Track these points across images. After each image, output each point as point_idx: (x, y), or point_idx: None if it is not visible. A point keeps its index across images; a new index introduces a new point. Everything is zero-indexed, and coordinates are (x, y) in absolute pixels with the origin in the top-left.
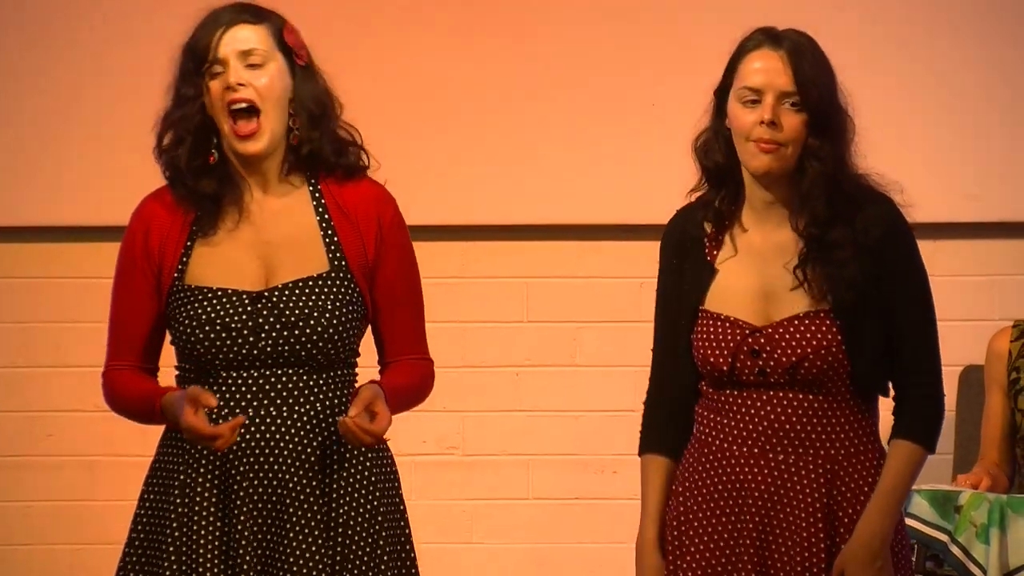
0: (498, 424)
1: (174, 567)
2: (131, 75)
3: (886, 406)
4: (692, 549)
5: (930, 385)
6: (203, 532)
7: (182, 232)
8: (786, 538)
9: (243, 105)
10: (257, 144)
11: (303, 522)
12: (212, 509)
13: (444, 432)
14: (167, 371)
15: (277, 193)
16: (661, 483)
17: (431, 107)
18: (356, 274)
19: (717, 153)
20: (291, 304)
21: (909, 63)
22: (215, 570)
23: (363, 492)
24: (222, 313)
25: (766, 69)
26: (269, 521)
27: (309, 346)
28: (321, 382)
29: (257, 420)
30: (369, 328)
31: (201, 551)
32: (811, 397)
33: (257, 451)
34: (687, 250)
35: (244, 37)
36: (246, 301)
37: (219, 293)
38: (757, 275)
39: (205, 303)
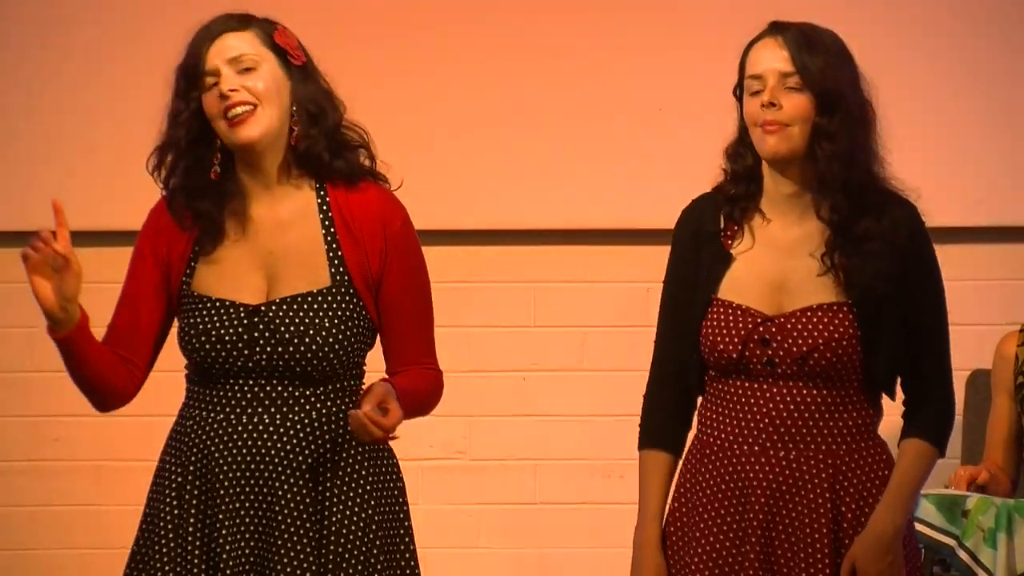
0: (505, 428)
1: (166, 568)
2: (136, 79)
3: (890, 410)
4: (696, 546)
5: (943, 389)
6: (190, 535)
7: (189, 241)
8: (791, 534)
9: (240, 110)
10: (252, 130)
11: (292, 529)
12: (194, 512)
13: (451, 436)
14: (167, 374)
15: (282, 199)
16: (661, 480)
17: (440, 112)
18: (360, 288)
19: (746, 156)
20: (287, 320)
21: (917, 68)
22: None
23: (357, 500)
24: (218, 325)
25: (765, 56)
26: (257, 527)
27: (303, 362)
28: (320, 392)
29: (250, 427)
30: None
31: (188, 555)
32: (819, 391)
33: (248, 458)
34: (702, 239)
35: (232, 45)
36: (243, 314)
37: (218, 304)
38: (774, 266)
39: (204, 313)
